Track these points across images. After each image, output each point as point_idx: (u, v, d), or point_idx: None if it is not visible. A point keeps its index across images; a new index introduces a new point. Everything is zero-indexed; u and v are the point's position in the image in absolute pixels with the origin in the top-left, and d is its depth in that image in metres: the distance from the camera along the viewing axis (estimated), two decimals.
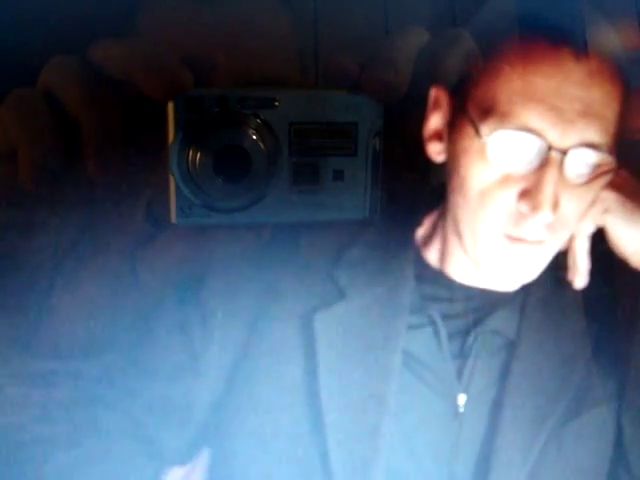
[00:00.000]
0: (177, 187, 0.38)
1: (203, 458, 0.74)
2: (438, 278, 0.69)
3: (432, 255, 0.70)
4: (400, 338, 0.66)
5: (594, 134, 0.58)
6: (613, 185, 0.60)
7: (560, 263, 0.64)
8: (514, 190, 0.60)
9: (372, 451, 0.65)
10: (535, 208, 0.58)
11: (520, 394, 0.65)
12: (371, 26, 0.64)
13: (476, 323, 0.68)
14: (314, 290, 0.68)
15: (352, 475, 0.65)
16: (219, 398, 0.69)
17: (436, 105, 0.64)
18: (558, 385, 0.65)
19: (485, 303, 0.68)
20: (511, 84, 0.59)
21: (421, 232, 0.72)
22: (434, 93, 0.64)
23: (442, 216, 0.69)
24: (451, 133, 0.64)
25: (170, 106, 0.37)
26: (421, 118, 0.64)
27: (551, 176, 0.58)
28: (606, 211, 0.60)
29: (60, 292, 0.41)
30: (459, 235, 0.64)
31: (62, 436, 0.49)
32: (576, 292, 0.66)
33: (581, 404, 0.64)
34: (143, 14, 0.57)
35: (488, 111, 0.59)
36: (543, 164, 0.58)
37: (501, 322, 0.68)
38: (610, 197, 0.60)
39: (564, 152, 0.57)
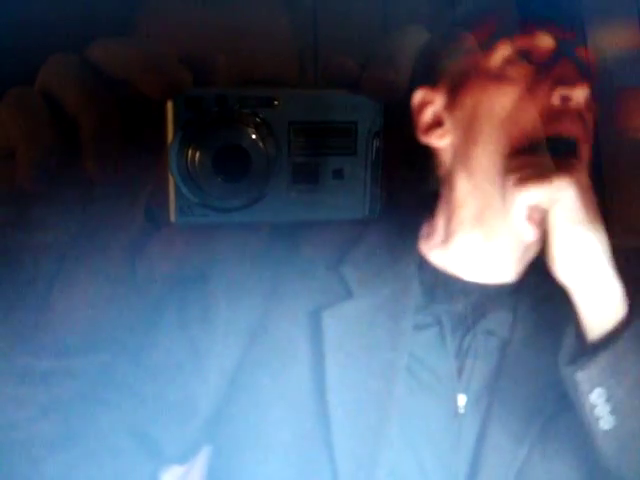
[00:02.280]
0: (176, 186, 0.38)
1: (202, 457, 0.74)
2: (441, 275, 0.70)
3: (432, 251, 0.70)
4: (406, 337, 0.67)
5: None
6: (575, 183, 0.59)
7: None
8: (545, 87, 0.61)
9: (377, 448, 0.65)
10: (573, 84, 0.60)
11: (509, 394, 0.66)
12: (370, 25, 0.64)
13: (474, 323, 0.68)
14: (320, 288, 0.69)
15: (357, 472, 0.65)
16: (221, 397, 0.69)
17: (424, 103, 0.65)
18: (545, 385, 0.66)
19: (482, 303, 0.68)
20: None
21: (424, 231, 0.72)
22: (420, 95, 0.65)
23: (446, 208, 0.69)
24: (454, 100, 0.64)
25: (169, 105, 0.37)
26: None
27: (572, 63, 0.61)
28: (558, 201, 0.58)
29: (59, 291, 0.41)
30: (497, 180, 0.64)
31: (62, 435, 0.49)
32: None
33: (566, 403, 0.65)
34: (142, 13, 0.57)
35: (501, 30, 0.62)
36: (561, 57, 0.63)
37: (495, 323, 0.68)
38: (568, 191, 0.58)
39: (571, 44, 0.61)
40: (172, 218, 0.39)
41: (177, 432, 0.68)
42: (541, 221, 0.58)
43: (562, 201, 0.56)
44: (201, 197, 0.38)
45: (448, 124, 0.66)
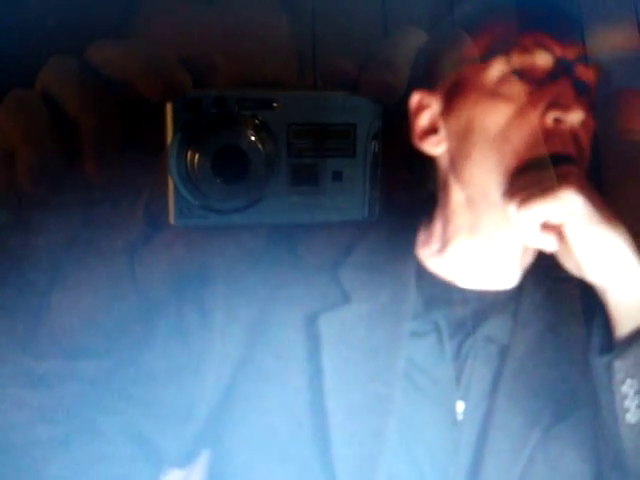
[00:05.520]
0: (176, 188, 0.38)
1: (202, 461, 0.74)
2: (438, 282, 0.70)
3: (430, 258, 0.70)
4: (404, 341, 0.67)
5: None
6: (581, 189, 0.58)
7: (558, 263, 0.64)
8: (539, 108, 0.61)
9: (376, 453, 0.65)
10: (567, 108, 0.60)
11: (510, 400, 0.65)
12: (369, 27, 0.64)
13: (473, 329, 0.68)
14: (317, 292, 0.68)
15: (356, 477, 0.65)
16: (220, 401, 0.69)
17: (421, 107, 0.65)
18: (548, 391, 0.65)
19: (480, 309, 0.68)
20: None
21: (422, 235, 0.72)
22: (417, 98, 0.65)
23: (443, 215, 0.69)
24: (450, 109, 0.64)
25: (168, 107, 0.37)
26: None
27: (569, 84, 0.61)
28: (571, 213, 0.58)
29: (58, 293, 0.41)
30: (490, 196, 0.64)
31: (61, 438, 0.48)
32: (575, 299, 0.66)
33: (566, 407, 0.65)
34: (141, 15, 0.57)
35: (499, 41, 0.62)
36: (558, 77, 0.62)
37: (494, 329, 0.68)
38: (577, 200, 0.58)
39: (570, 64, 0.61)
40: (171, 220, 0.39)
41: (176, 436, 0.68)
42: (558, 228, 0.58)
43: (574, 211, 0.56)
44: (200, 199, 0.38)
45: (443, 132, 0.66)
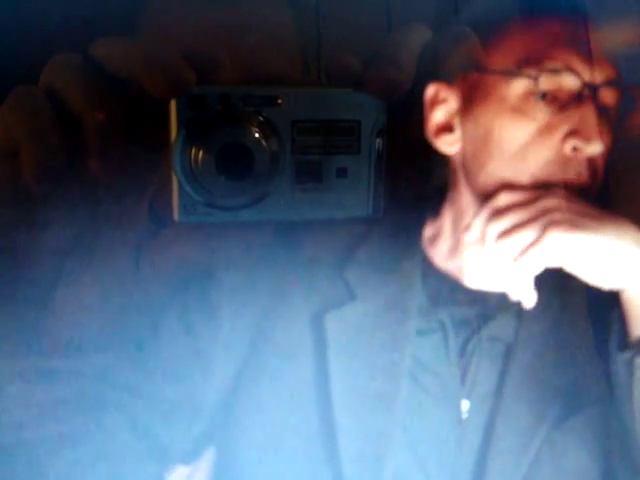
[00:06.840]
0: (180, 185, 0.38)
1: (207, 458, 0.74)
2: (444, 280, 0.69)
3: (439, 256, 0.70)
4: (409, 338, 0.67)
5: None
6: (568, 225, 0.57)
7: None
8: (559, 133, 0.60)
9: (382, 451, 0.65)
10: (588, 139, 0.59)
11: (516, 399, 0.65)
12: (374, 24, 0.64)
13: (479, 328, 0.68)
14: (323, 290, 0.69)
15: (362, 474, 0.65)
16: (225, 397, 0.69)
17: (437, 100, 0.65)
18: (553, 389, 0.65)
19: (486, 308, 0.68)
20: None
21: (428, 232, 0.71)
22: (433, 90, 0.64)
23: (451, 214, 0.69)
24: (468, 111, 0.64)
25: (172, 104, 0.37)
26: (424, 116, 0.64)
27: (592, 111, 0.59)
28: (564, 254, 0.57)
29: (63, 290, 0.41)
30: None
31: (66, 435, 0.49)
32: (580, 294, 0.66)
33: (572, 405, 0.64)
34: (146, 12, 0.57)
35: (528, 58, 0.60)
36: (582, 101, 0.60)
37: (499, 328, 0.68)
38: (566, 241, 0.56)
39: (596, 88, 0.59)
40: (176, 217, 0.39)
41: (182, 433, 0.68)
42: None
43: (567, 251, 0.56)
44: (205, 196, 0.38)
45: (459, 132, 0.65)
